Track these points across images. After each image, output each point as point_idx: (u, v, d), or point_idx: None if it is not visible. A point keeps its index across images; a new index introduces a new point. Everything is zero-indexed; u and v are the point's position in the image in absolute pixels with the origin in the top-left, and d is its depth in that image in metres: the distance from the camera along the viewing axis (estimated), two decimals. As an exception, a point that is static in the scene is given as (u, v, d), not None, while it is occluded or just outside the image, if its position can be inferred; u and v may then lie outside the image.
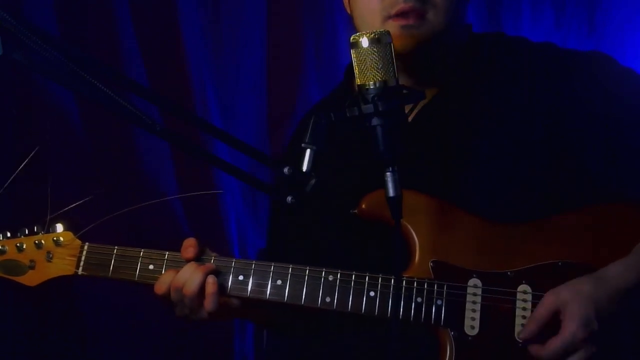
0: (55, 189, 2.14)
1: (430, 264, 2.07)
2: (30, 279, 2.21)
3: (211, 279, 2.09)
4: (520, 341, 2.00)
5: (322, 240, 2.28)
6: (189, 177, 3.52)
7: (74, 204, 2.15)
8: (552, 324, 1.95)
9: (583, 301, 1.93)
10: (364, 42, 1.79)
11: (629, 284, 1.97)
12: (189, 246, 2.15)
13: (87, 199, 2.15)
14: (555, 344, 1.93)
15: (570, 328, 1.92)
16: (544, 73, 2.18)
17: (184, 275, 2.10)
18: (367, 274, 2.07)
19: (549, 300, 1.96)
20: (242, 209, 3.77)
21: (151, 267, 2.16)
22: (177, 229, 3.56)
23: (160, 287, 2.11)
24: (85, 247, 2.19)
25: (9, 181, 2.12)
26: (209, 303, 2.09)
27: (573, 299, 1.94)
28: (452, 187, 2.14)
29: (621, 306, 1.95)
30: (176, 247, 2.19)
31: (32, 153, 2.15)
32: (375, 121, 1.80)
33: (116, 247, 2.18)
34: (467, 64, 2.24)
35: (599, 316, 1.92)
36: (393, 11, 2.11)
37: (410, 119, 2.17)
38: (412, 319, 2.05)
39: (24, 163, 2.13)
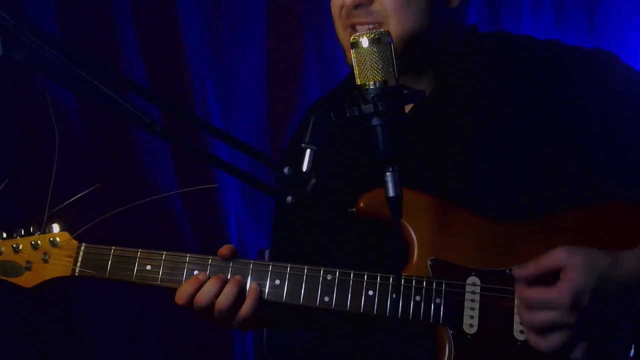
0: (55, 190, 2.14)
1: (429, 262, 2.08)
2: (26, 280, 2.19)
3: (254, 285, 2.10)
4: (514, 275, 1.99)
5: (322, 239, 2.29)
6: (189, 177, 3.52)
7: (69, 201, 2.14)
8: (551, 280, 1.94)
9: (588, 272, 1.91)
10: (364, 42, 1.79)
11: (637, 275, 1.95)
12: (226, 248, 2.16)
13: (83, 193, 2.14)
14: (538, 292, 1.93)
15: (560, 288, 1.91)
16: (545, 71, 2.18)
17: (208, 293, 2.09)
18: (366, 273, 2.07)
19: (560, 255, 1.93)
20: (242, 209, 3.77)
21: (149, 267, 2.16)
22: (177, 230, 3.56)
23: (181, 298, 2.10)
24: (82, 248, 2.18)
25: (2, 184, 2.11)
26: (246, 309, 2.10)
27: (579, 266, 1.91)
28: (450, 184, 2.15)
29: (626, 296, 1.95)
30: (176, 247, 2.19)
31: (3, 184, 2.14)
32: (375, 121, 1.80)
33: (113, 247, 2.17)
34: (465, 61, 2.24)
35: (595, 293, 1.91)
36: (348, 22, 2.14)
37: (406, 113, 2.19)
38: (410, 317, 2.05)
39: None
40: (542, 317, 1.93)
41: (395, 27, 2.11)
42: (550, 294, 1.92)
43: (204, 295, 2.09)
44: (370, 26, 2.13)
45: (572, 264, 1.92)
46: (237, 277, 2.11)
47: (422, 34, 2.15)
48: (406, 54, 2.14)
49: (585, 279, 1.91)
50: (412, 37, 2.14)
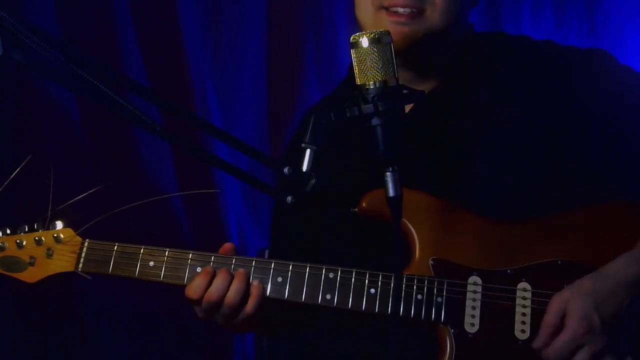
0: (55, 189, 2.14)
1: (431, 261, 2.08)
2: (29, 276, 2.20)
3: (256, 282, 2.10)
4: (522, 340, 2.02)
5: (323, 239, 2.29)
6: (189, 177, 3.52)
7: (74, 199, 2.15)
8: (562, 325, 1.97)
9: (582, 297, 1.95)
10: (364, 42, 1.79)
11: (632, 276, 1.98)
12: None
13: (86, 194, 2.15)
14: (558, 342, 1.96)
15: (570, 324, 1.94)
16: (543, 70, 2.19)
17: (220, 287, 2.08)
18: (368, 271, 2.08)
19: (554, 303, 1.98)
20: (242, 209, 3.77)
21: (152, 264, 2.16)
22: (177, 230, 3.56)
23: (195, 292, 2.09)
24: (86, 244, 2.19)
25: (7, 181, 2.12)
26: (251, 306, 2.09)
27: (573, 297, 1.96)
28: (450, 184, 2.15)
29: (627, 298, 1.97)
30: (177, 248, 2.18)
31: (27, 159, 2.14)
32: (375, 121, 1.80)
33: (117, 243, 2.17)
34: (465, 61, 2.25)
35: (600, 310, 1.94)
36: (386, 2, 2.12)
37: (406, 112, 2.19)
38: (412, 316, 2.05)
39: (19, 167, 2.13)
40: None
41: (438, 17, 2.13)
42: (567, 334, 1.95)
43: (216, 289, 2.08)
44: (408, 10, 2.12)
45: (566, 299, 1.96)
46: (241, 270, 2.11)
47: (449, 29, 2.16)
48: (429, 49, 2.16)
49: (583, 302, 1.95)
50: (445, 30, 2.15)
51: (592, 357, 1.95)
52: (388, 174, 1.80)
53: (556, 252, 2.05)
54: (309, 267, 2.11)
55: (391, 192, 1.80)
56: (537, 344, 1.99)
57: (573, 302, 1.95)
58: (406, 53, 2.12)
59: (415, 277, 2.07)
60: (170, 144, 2.38)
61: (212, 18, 3.73)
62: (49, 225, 2.20)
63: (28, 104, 3.25)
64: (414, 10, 2.12)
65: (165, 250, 2.16)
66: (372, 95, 1.79)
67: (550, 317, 1.98)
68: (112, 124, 3.36)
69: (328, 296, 2.09)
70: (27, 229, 2.21)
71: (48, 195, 2.15)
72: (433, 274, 2.07)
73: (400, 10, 2.13)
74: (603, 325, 1.94)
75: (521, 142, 2.14)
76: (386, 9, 2.14)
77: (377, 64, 1.79)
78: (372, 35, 1.79)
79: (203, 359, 3.62)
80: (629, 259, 2.00)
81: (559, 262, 2.05)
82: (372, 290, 2.08)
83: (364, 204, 2.11)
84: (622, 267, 1.99)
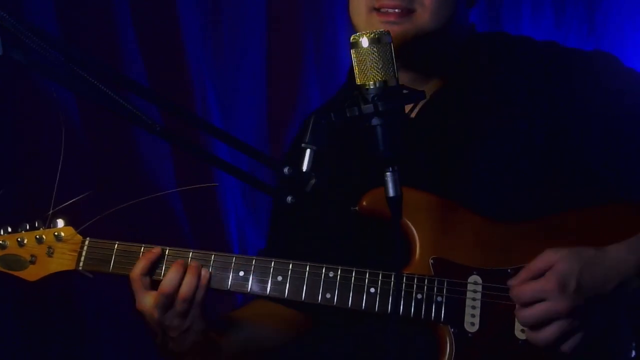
0: (57, 188, 2.15)
1: (431, 260, 2.08)
2: (30, 274, 2.20)
3: (204, 271, 2.09)
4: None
5: (322, 238, 2.29)
6: (189, 177, 3.52)
7: (75, 199, 2.15)
8: None
9: (572, 259, 1.95)
10: (364, 42, 1.79)
11: (629, 268, 1.98)
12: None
13: (88, 193, 2.15)
14: (527, 286, 1.96)
15: (546, 277, 1.95)
16: (545, 72, 2.19)
17: (172, 279, 2.08)
18: (368, 270, 2.08)
19: (547, 254, 1.98)
20: (242, 209, 3.77)
21: None
22: (177, 230, 3.57)
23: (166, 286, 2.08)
24: (87, 242, 2.19)
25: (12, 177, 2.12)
26: (200, 292, 2.08)
27: (565, 257, 1.96)
28: (451, 184, 2.15)
29: (614, 283, 1.96)
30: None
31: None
32: (375, 121, 1.80)
33: (117, 242, 2.18)
34: (467, 62, 2.25)
35: (581, 277, 1.94)
36: (377, 3, 2.13)
37: (411, 115, 2.19)
38: (412, 315, 2.06)
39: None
40: (535, 310, 1.95)
41: (428, 17, 2.13)
42: (537, 284, 1.95)
43: (168, 282, 2.07)
44: (397, 10, 2.13)
45: (558, 257, 1.96)
46: (194, 263, 2.11)
47: (446, 29, 2.16)
48: (425, 49, 2.17)
49: (568, 265, 1.94)
50: (439, 31, 2.15)
51: (547, 314, 1.94)
52: (388, 174, 1.80)
53: (557, 252, 2.05)
54: (309, 266, 2.11)
55: (391, 192, 1.80)
56: (512, 280, 2.00)
57: (562, 261, 1.95)
58: (399, 53, 2.12)
59: (415, 276, 2.07)
60: (170, 144, 2.38)
61: (212, 18, 3.73)
62: (49, 224, 2.20)
63: (28, 104, 3.25)
64: (403, 10, 2.12)
65: (166, 249, 2.16)
66: (372, 95, 1.80)
67: (537, 262, 1.97)
68: (112, 124, 3.36)
69: (328, 295, 2.09)
70: (28, 227, 2.21)
71: (48, 194, 2.15)
72: (433, 273, 2.07)
73: (390, 10, 2.13)
74: (576, 294, 1.93)
75: (521, 142, 2.14)
76: (377, 10, 2.14)
77: (377, 64, 1.79)
78: (372, 35, 1.79)
79: (203, 359, 3.62)
80: (630, 249, 1.99)
81: (560, 262, 2.05)
82: (372, 290, 2.08)
83: (364, 203, 2.11)
84: (622, 256, 1.98)
